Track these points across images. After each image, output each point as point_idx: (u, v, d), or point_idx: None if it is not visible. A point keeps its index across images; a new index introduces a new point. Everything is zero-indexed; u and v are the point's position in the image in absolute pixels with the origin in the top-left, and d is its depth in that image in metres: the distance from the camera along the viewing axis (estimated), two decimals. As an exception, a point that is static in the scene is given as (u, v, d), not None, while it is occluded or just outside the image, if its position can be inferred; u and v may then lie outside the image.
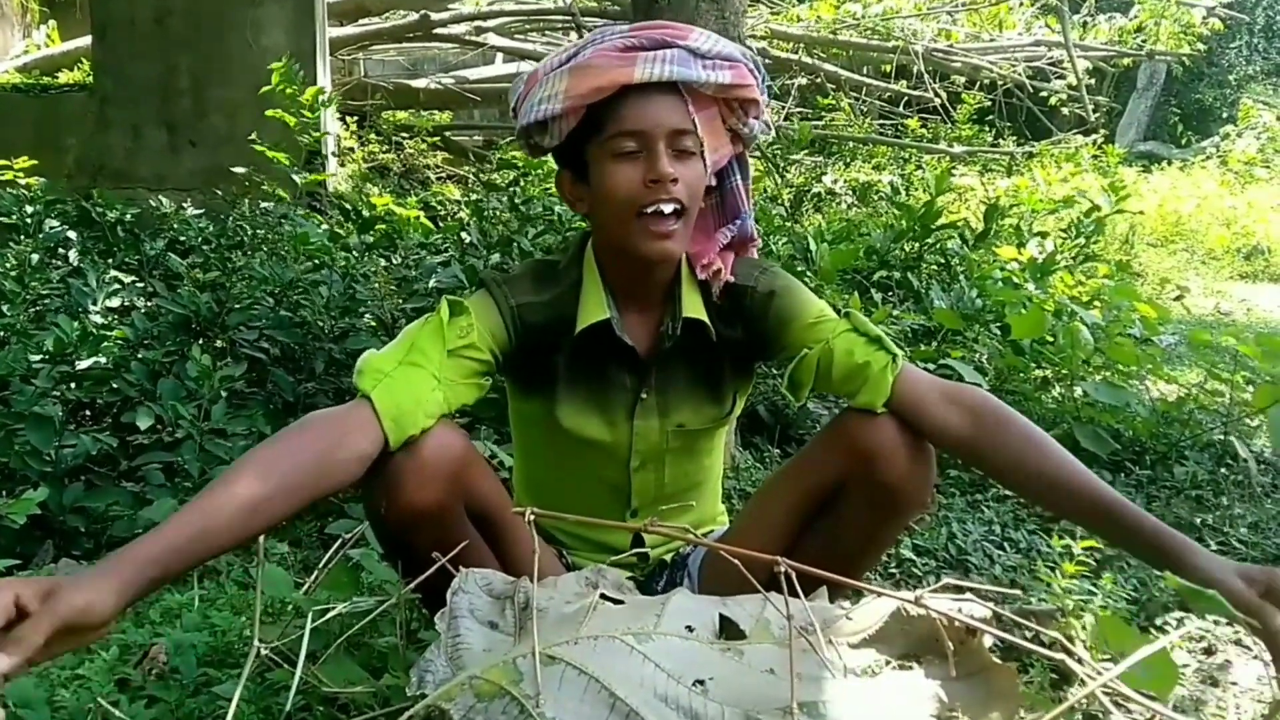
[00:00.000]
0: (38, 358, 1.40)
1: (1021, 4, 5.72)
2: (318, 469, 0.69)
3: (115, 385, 1.39)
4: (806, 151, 4.52)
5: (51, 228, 1.96)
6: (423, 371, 0.76)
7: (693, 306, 0.84)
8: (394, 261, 2.00)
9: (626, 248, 0.80)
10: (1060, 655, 0.56)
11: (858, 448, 0.79)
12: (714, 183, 0.85)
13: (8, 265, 1.72)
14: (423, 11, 4.47)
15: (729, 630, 0.68)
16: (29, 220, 1.94)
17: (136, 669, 0.87)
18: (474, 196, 2.63)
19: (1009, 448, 0.77)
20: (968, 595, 0.65)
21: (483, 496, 0.79)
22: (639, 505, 0.89)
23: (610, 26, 0.83)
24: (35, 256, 1.80)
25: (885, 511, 0.80)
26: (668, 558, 0.94)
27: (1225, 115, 8.13)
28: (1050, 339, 1.77)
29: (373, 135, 4.10)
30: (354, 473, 0.72)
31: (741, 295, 0.86)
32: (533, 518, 0.69)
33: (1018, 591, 1.03)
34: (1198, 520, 1.41)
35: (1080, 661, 0.57)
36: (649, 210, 0.77)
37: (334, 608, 0.77)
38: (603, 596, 0.70)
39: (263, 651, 0.69)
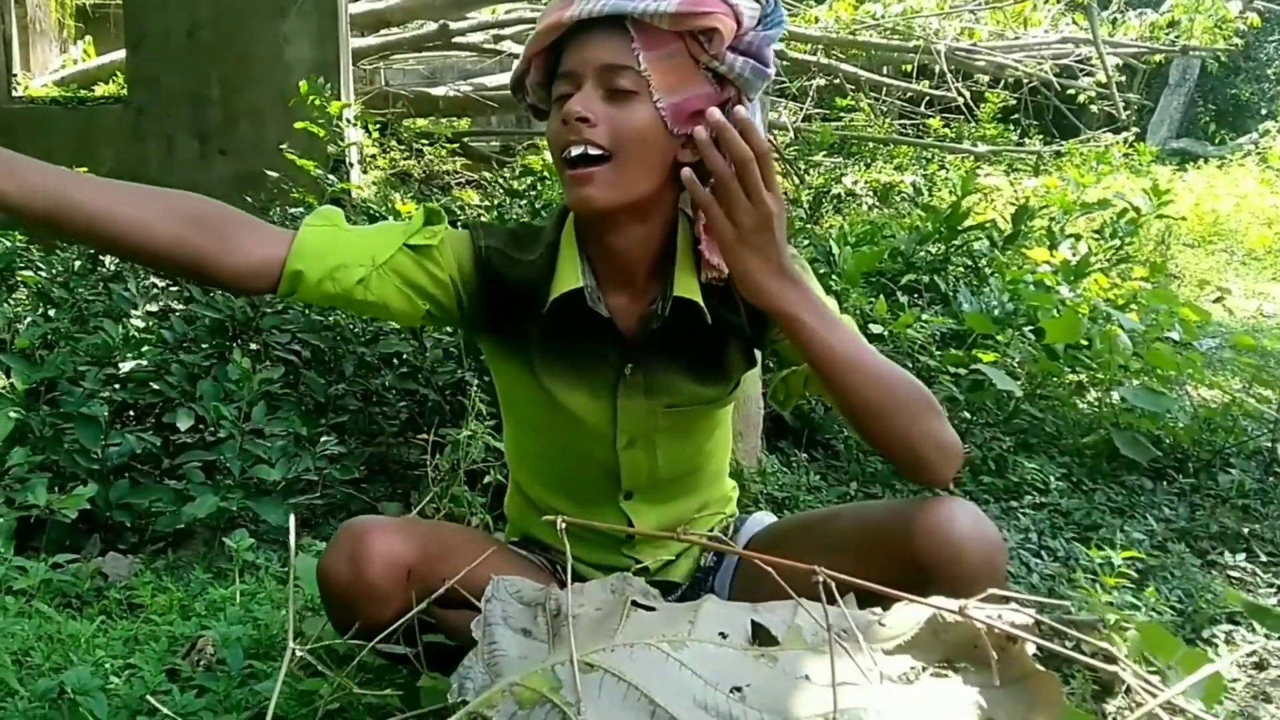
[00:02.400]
0: (85, 360, 1.44)
1: (1047, 1, 5.62)
2: (215, 229, 0.68)
3: (157, 387, 1.43)
4: (825, 153, 4.49)
5: (93, 235, 2.01)
6: (363, 247, 0.73)
7: (686, 286, 0.76)
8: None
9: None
10: (1114, 667, 0.55)
11: (937, 575, 0.70)
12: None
13: (55, 271, 1.77)
14: (441, 21, 4.53)
15: (761, 636, 0.68)
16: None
17: (185, 660, 0.90)
18: (495, 201, 2.66)
19: None
20: (1011, 605, 0.64)
21: (447, 581, 0.71)
22: (631, 488, 0.83)
23: None
24: (78, 263, 1.86)
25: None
26: (678, 577, 0.87)
27: (1264, 111, 7.90)
28: (1085, 343, 1.74)
29: (394, 143, 4.17)
30: (240, 259, 0.69)
31: None
32: (564, 525, 0.69)
33: (1067, 603, 1.00)
34: (1245, 530, 1.37)
35: (1134, 675, 0.55)
36: (564, 155, 0.71)
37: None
38: (634, 604, 0.70)
39: (297, 653, 0.70)
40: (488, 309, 0.79)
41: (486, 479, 1.31)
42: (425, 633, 0.73)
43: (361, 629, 0.72)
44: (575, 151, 0.71)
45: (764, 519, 0.91)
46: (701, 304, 0.77)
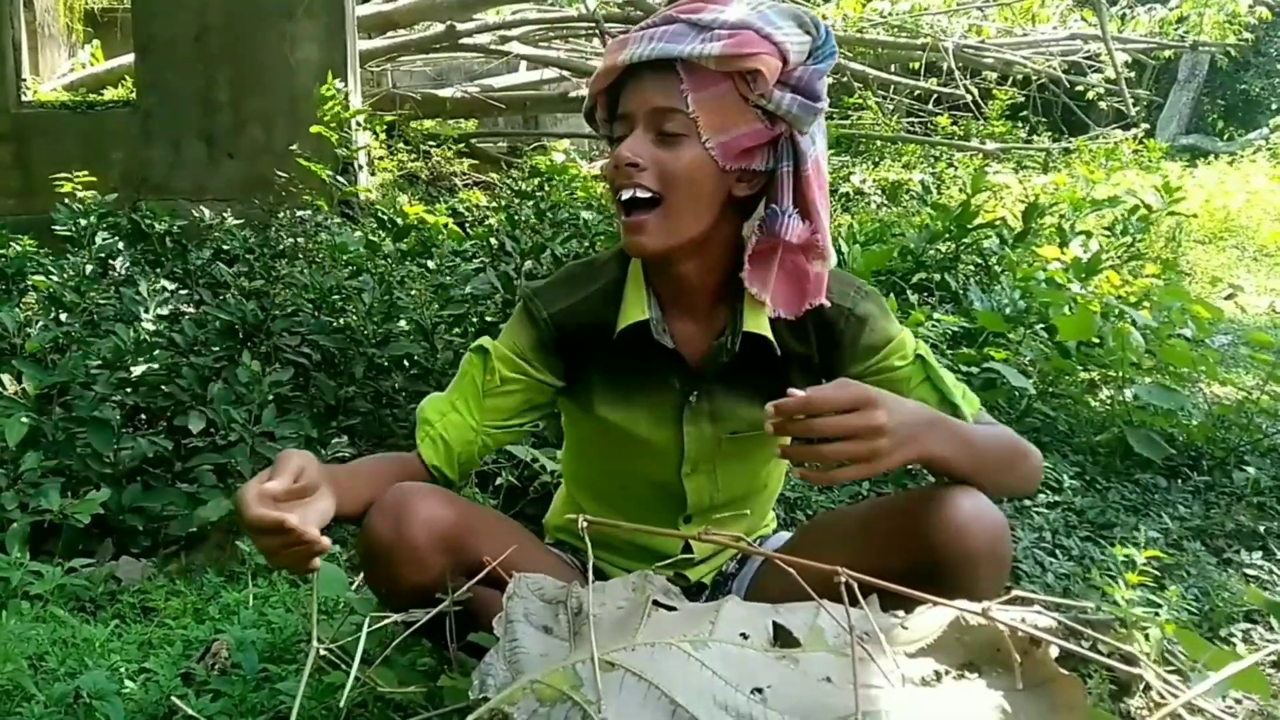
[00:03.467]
0: (96, 364, 1.45)
1: (1055, -3, 5.60)
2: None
3: (168, 390, 1.43)
4: (833, 151, 4.48)
5: (104, 239, 2.03)
6: (463, 422, 0.83)
7: (755, 320, 0.78)
8: (430, 268, 2.03)
9: None
10: (1136, 669, 0.55)
11: (941, 557, 0.70)
12: (765, 166, 0.75)
13: (66, 276, 1.78)
14: (449, 22, 4.55)
15: (783, 638, 0.67)
16: (83, 232, 2.01)
17: (199, 664, 0.90)
18: (502, 203, 2.66)
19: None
20: (1035, 608, 0.63)
21: (481, 555, 0.76)
22: (693, 512, 0.85)
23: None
24: (89, 267, 1.87)
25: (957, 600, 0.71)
26: (707, 579, 0.89)
27: (1274, 106, 7.84)
28: (1098, 341, 1.72)
29: (401, 144, 4.19)
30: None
31: (836, 317, 0.79)
32: (586, 526, 0.69)
33: (1089, 604, 1.00)
34: (1261, 528, 1.36)
35: (1157, 675, 0.55)
36: (617, 198, 0.74)
37: (389, 616, 0.77)
38: (655, 603, 0.69)
39: (321, 652, 0.70)
40: (563, 359, 0.84)
41: (498, 480, 1.31)
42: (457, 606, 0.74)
43: (399, 591, 0.73)
44: (625, 195, 0.74)
45: (785, 537, 0.92)
46: (771, 338, 0.79)
